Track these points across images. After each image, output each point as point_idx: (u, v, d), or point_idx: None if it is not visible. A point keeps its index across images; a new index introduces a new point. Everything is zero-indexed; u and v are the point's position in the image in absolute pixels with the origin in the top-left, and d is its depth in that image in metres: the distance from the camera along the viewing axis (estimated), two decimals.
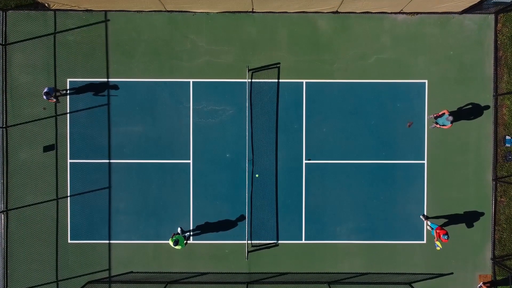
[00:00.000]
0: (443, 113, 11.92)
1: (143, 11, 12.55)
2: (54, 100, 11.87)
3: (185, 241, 11.78)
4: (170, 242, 11.41)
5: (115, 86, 12.56)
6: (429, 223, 12.27)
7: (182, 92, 12.67)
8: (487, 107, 12.74)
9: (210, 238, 12.74)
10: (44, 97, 11.63)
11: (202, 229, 12.69)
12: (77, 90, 12.60)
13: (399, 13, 12.62)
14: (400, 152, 12.72)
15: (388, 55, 12.70)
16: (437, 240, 11.68)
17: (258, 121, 12.72)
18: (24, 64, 12.59)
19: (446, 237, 11.36)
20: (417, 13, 12.63)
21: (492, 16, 12.70)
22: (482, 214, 12.78)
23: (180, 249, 12.04)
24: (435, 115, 12.29)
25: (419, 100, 12.72)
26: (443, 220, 12.70)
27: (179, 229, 12.54)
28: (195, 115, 12.70)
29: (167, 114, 12.66)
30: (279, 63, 12.67)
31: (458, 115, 12.68)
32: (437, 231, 11.60)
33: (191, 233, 12.62)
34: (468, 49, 12.74)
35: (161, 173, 12.64)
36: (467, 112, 12.74)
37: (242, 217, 12.72)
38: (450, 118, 11.65)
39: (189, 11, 12.54)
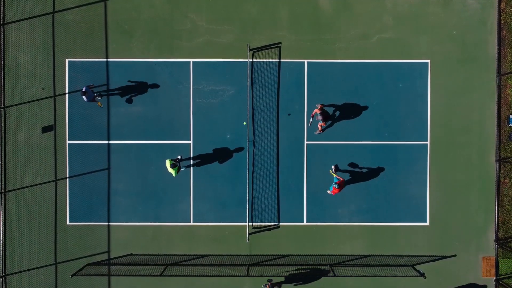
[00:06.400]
0: (315, 113, 11.96)
1: None
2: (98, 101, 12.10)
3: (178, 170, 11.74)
4: (168, 163, 11.45)
5: (114, 66, 12.42)
6: (334, 175, 12.03)
7: (182, 72, 12.52)
8: (491, 87, 12.59)
9: (211, 220, 12.60)
10: (84, 98, 11.71)
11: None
12: (76, 70, 12.46)
13: None
14: (403, 133, 12.58)
15: (390, 34, 12.55)
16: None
17: (259, 101, 12.58)
18: (22, 44, 12.43)
19: (337, 186, 11.35)
20: None
21: None
22: (485, 195, 12.62)
23: (171, 173, 11.71)
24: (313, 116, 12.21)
25: (421, 80, 12.58)
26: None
27: (179, 157, 12.36)
28: (195, 95, 12.56)
29: (166, 95, 12.52)
30: (280, 43, 12.52)
31: (461, 95, 12.56)
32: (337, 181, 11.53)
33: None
34: (471, 29, 12.60)
35: (161, 154, 12.48)
36: (470, 92, 12.59)
37: (242, 199, 12.57)
38: (319, 117, 11.83)
39: None
